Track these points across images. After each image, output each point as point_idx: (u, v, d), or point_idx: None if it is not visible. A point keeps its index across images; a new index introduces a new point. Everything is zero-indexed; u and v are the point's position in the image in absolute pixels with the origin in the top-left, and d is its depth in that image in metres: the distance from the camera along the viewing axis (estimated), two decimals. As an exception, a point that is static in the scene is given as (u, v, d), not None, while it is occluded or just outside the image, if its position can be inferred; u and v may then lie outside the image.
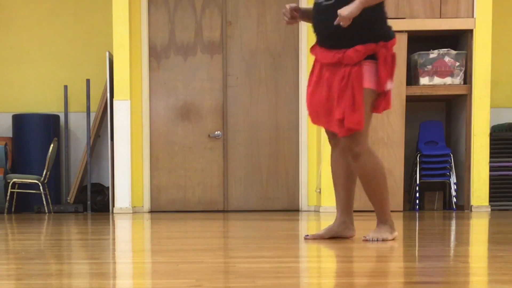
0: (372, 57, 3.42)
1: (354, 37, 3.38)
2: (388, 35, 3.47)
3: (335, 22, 3.30)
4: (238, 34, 7.84)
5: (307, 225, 5.43)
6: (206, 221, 5.87)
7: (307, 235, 3.63)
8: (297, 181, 7.88)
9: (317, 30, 3.52)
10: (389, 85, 3.43)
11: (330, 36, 3.43)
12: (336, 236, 3.61)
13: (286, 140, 7.91)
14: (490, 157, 7.32)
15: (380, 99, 3.44)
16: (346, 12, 3.26)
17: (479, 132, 7.25)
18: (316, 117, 3.55)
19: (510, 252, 2.99)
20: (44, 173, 7.77)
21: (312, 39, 8.60)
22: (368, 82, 3.40)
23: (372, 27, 3.43)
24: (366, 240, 3.51)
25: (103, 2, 8.05)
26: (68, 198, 8.09)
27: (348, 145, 3.48)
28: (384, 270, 2.39)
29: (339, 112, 3.38)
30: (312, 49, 3.58)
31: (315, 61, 3.56)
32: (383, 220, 3.62)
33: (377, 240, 3.48)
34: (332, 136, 3.63)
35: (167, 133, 7.87)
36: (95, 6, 8.30)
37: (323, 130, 7.30)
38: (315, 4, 3.51)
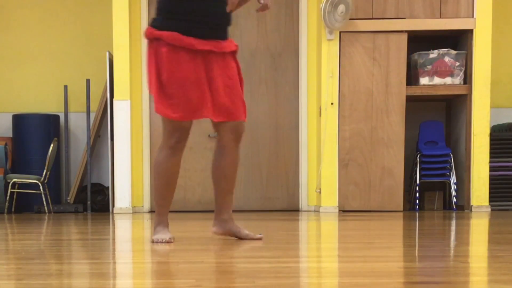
0: None
1: (227, 30, 3.49)
2: None
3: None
4: (238, 34, 7.84)
5: (307, 225, 5.43)
6: (206, 221, 5.87)
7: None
8: (297, 181, 7.88)
9: (213, 21, 3.34)
10: None
11: (222, 28, 3.41)
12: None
13: (286, 140, 7.91)
14: (490, 157, 7.33)
15: None
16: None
17: (479, 132, 7.26)
18: (229, 109, 3.42)
19: (510, 252, 2.99)
20: (44, 173, 7.77)
21: (313, 39, 8.55)
22: None
23: None
24: (259, 238, 3.52)
25: (103, 2, 8.05)
26: (68, 198, 8.10)
27: (242, 131, 3.52)
28: (384, 270, 2.39)
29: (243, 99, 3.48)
30: (178, 38, 3.30)
31: (178, 48, 3.30)
32: (231, 214, 3.60)
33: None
34: (186, 137, 3.45)
35: (167, 133, 7.86)
36: (95, 6, 8.30)
37: (323, 130, 7.34)
38: None
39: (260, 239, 3.53)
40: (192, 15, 3.32)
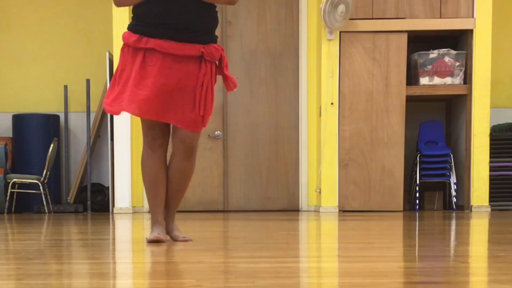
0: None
1: (211, 34, 3.39)
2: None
3: None
4: (238, 34, 7.84)
5: (307, 225, 5.43)
6: (206, 221, 5.87)
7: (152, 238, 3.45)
8: (297, 181, 7.87)
9: (169, 20, 3.28)
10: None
11: (194, 30, 3.30)
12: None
13: (286, 140, 7.91)
14: (490, 157, 7.32)
15: None
16: None
17: (479, 132, 7.26)
18: (161, 110, 3.31)
19: (510, 252, 2.99)
20: (44, 173, 7.77)
21: (313, 39, 8.53)
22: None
23: (216, 27, 3.45)
24: (186, 240, 3.45)
25: (103, 2, 8.05)
26: (68, 198, 8.09)
27: (194, 142, 3.43)
28: (384, 270, 2.39)
29: (202, 107, 3.33)
30: (127, 36, 3.34)
31: (144, 51, 3.30)
32: (174, 218, 3.56)
33: (188, 239, 3.46)
34: (161, 135, 3.48)
35: (167, 133, 7.86)
36: (95, 6, 8.30)
37: (323, 130, 7.33)
38: None
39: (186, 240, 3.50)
40: (147, 16, 3.31)
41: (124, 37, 3.38)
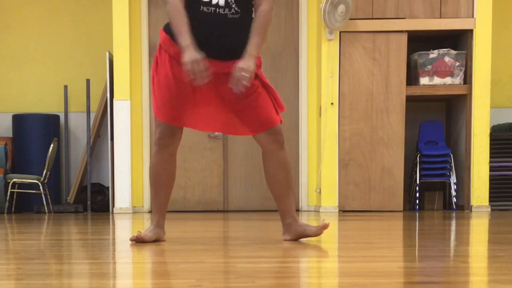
0: None
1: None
2: None
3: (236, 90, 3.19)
4: (238, 34, 7.83)
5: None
6: (206, 221, 5.87)
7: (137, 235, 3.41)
8: (297, 181, 7.87)
9: (215, 42, 3.22)
10: None
11: (234, 49, 3.26)
12: (157, 239, 3.45)
13: (286, 140, 7.87)
14: (490, 157, 7.33)
15: None
16: (249, 70, 3.15)
17: (479, 132, 7.26)
18: (212, 122, 3.50)
19: (510, 252, 2.99)
20: (44, 173, 7.77)
21: (313, 39, 8.53)
22: None
23: None
24: (323, 226, 3.47)
25: (103, 2, 8.05)
26: (68, 198, 8.10)
27: (279, 134, 3.52)
28: (384, 270, 2.39)
29: (268, 105, 3.44)
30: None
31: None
32: (295, 216, 3.55)
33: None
34: (170, 134, 3.36)
35: (167, 133, 7.85)
36: (95, 6, 8.30)
37: (323, 130, 7.34)
38: (214, 15, 3.21)
39: (326, 226, 3.50)
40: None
41: (163, 40, 3.32)
